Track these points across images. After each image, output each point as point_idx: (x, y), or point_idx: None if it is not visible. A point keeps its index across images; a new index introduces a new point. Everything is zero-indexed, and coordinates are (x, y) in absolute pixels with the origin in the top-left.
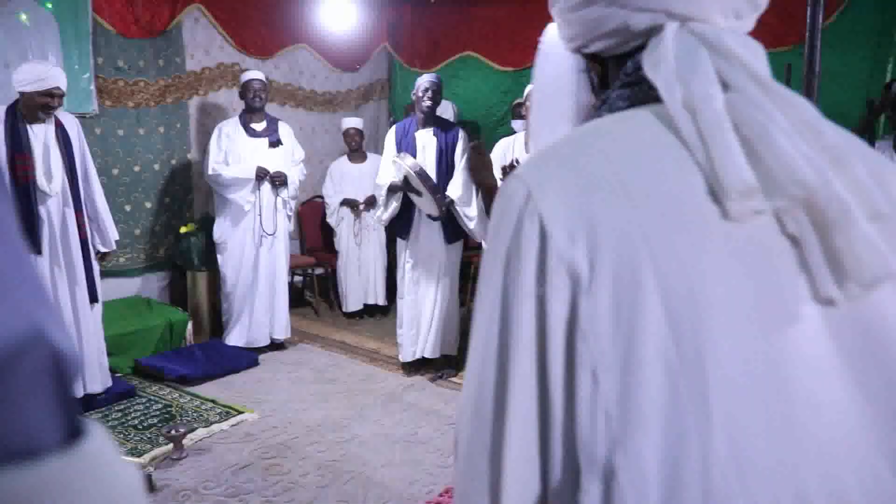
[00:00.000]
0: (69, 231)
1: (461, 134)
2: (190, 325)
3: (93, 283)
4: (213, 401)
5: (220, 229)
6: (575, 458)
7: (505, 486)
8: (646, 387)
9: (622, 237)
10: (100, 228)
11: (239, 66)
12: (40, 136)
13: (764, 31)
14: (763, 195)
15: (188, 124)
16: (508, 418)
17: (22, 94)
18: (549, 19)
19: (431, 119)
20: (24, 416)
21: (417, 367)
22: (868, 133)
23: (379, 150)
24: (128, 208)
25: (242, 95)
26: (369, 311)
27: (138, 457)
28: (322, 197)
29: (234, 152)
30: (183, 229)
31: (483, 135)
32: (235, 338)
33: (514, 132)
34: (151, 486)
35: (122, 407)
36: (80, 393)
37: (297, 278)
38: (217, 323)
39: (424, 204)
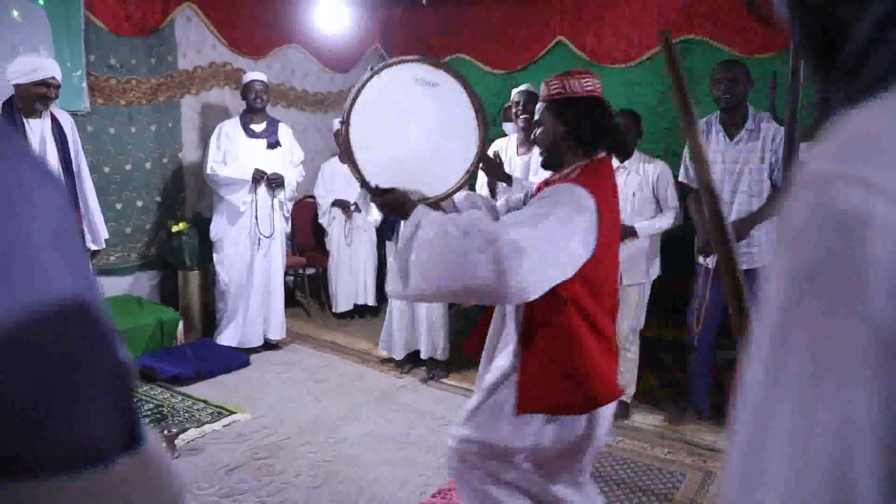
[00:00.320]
0: None
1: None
2: (181, 325)
3: None
4: (204, 401)
5: (217, 228)
6: None
7: None
8: None
9: None
10: (90, 226)
11: (231, 65)
12: (37, 131)
13: (749, 37)
14: None
15: (180, 123)
16: None
17: (17, 86)
18: (540, 21)
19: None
20: (96, 421)
21: (409, 360)
22: None
23: None
24: (119, 206)
25: (244, 96)
26: (359, 311)
27: None
28: (313, 197)
29: (232, 152)
30: (174, 228)
31: None
32: (228, 337)
33: (507, 134)
34: None
35: None
36: None
37: (289, 278)
38: (208, 322)
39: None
